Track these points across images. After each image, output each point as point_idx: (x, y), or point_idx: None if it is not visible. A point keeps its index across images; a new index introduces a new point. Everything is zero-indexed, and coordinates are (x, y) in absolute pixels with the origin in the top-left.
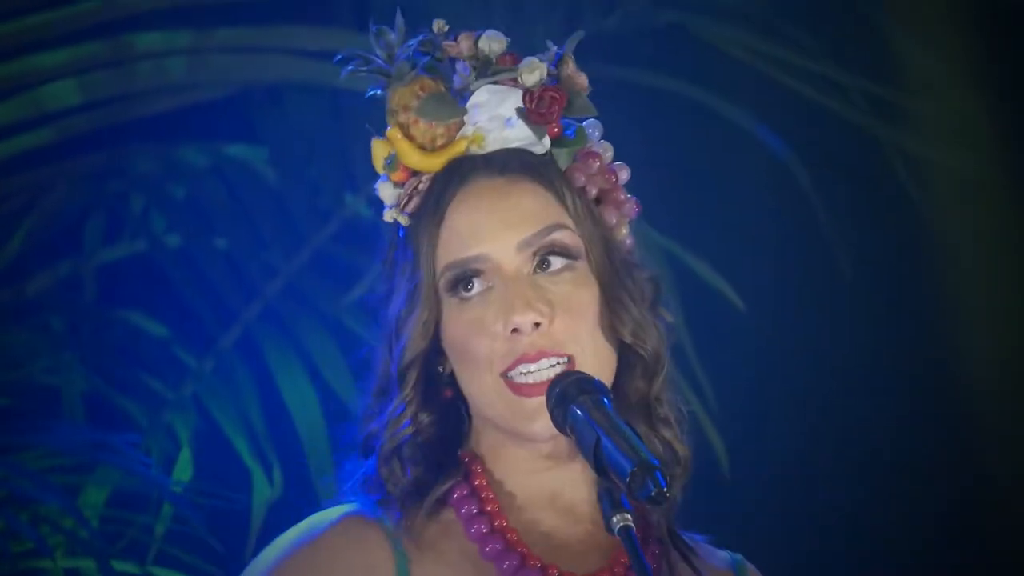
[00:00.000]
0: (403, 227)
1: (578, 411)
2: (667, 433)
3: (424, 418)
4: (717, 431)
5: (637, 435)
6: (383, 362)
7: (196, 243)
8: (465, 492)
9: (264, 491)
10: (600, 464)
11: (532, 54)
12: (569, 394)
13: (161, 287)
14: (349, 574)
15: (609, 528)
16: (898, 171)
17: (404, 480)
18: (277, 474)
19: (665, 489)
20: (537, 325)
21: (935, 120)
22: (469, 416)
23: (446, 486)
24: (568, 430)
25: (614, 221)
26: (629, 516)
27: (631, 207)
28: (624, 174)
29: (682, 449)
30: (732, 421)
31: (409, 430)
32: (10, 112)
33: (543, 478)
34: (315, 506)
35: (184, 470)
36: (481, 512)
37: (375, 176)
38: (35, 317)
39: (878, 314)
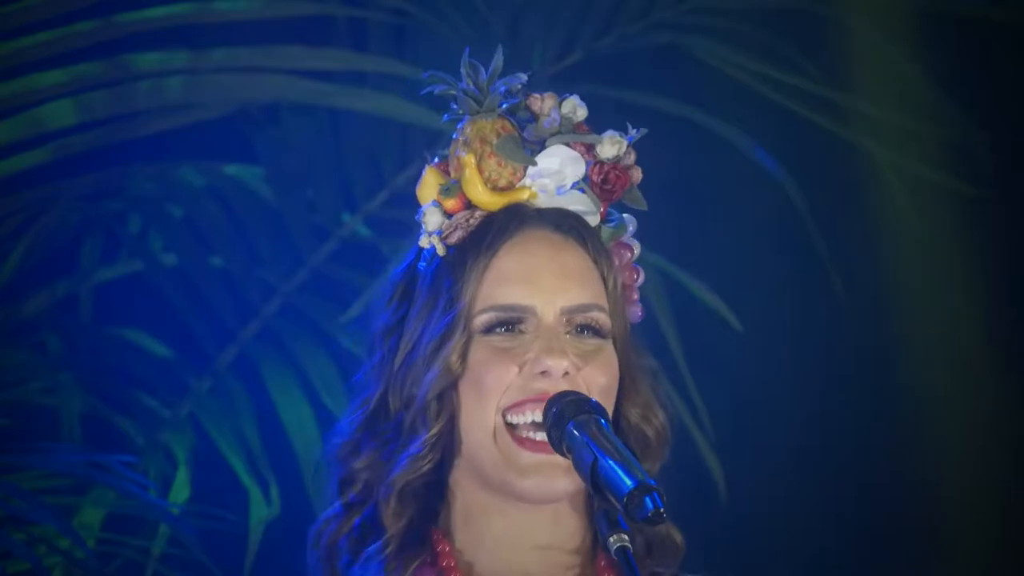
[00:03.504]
0: (434, 258)
1: (575, 431)
2: (671, 529)
3: (437, 460)
4: (714, 452)
5: (635, 456)
6: (380, 393)
7: (193, 262)
8: (428, 566)
9: (261, 510)
10: (597, 484)
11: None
12: (567, 413)
13: (158, 307)
14: None
15: (606, 549)
16: (893, 191)
17: (407, 518)
18: (274, 493)
19: (662, 509)
20: (567, 374)
21: (930, 140)
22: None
23: (416, 563)
24: (565, 450)
25: (625, 313)
26: (626, 536)
27: (636, 312)
28: (641, 276)
29: (677, 536)
30: (729, 442)
31: (428, 470)
32: (7, 132)
33: (515, 548)
34: (312, 524)
35: (181, 490)
36: None
37: (371, 195)
38: (32, 337)
39: (873, 333)
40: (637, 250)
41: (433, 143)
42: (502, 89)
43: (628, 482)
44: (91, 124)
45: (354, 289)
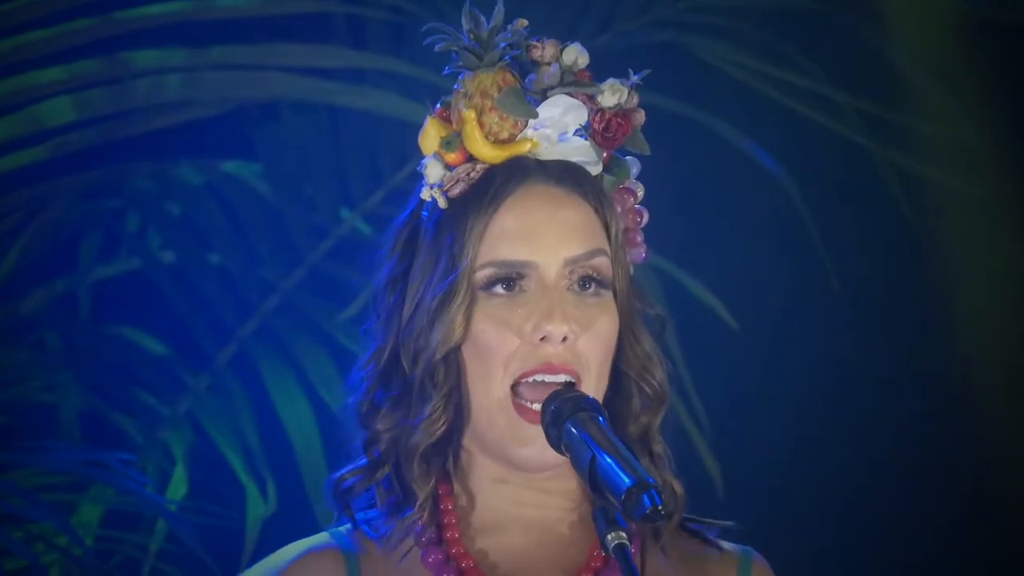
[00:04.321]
0: (436, 210)
1: (573, 429)
2: (664, 471)
3: (451, 418)
4: (710, 451)
5: (632, 453)
6: (389, 346)
7: (192, 260)
8: (427, 519)
9: (258, 508)
10: (595, 482)
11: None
12: (564, 412)
13: (157, 304)
14: None
15: (604, 547)
16: (892, 188)
17: (432, 479)
18: (272, 491)
19: (660, 507)
20: (565, 339)
21: (928, 138)
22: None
23: (417, 514)
24: (563, 448)
25: (627, 260)
26: (624, 534)
27: (640, 252)
28: (645, 217)
29: (679, 487)
30: (726, 441)
31: (443, 431)
32: (6, 129)
33: (512, 500)
34: (310, 522)
35: (178, 487)
36: (440, 540)
37: (370, 193)
38: (31, 335)
39: (871, 332)
40: (640, 193)
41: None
42: (501, 45)
43: (626, 480)
44: (90, 121)
45: (352, 287)
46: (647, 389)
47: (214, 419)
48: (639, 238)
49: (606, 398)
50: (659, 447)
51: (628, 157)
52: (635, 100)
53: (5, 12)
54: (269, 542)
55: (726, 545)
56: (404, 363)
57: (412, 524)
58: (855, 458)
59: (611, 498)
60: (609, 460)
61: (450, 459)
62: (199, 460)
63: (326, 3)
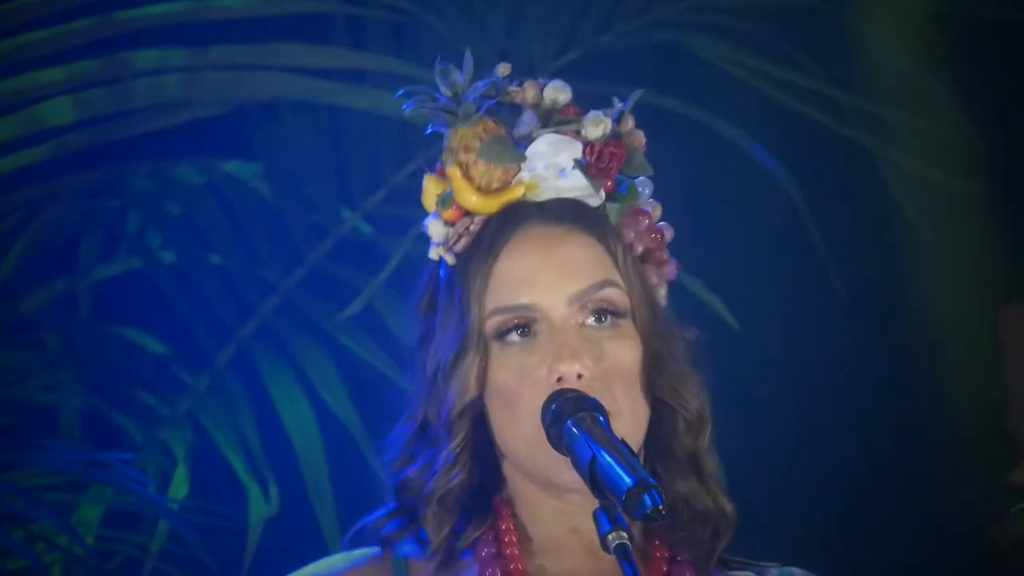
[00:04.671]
0: (447, 267)
1: (574, 428)
2: (715, 489)
3: (472, 466)
4: (712, 449)
5: (632, 453)
6: (423, 405)
7: (192, 260)
8: (489, 536)
9: (260, 508)
10: (596, 481)
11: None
12: (565, 411)
13: (157, 304)
14: None
15: (605, 546)
16: (891, 187)
17: (448, 527)
18: (273, 491)
19: (661, 506)
20: (580, 377)
21: (929, 137)
22: (499, 459)
23: (478, 532)
24: (564, 448)
25: (655, 281)
26: (625, 534)
27: (671, 269)
28: (669, 234)
29: (728, 506)
30: (726, 440)
31: (460, 480)
32: (6, 129)
33: (567, 518)
34: (311, 522)
35: (179, 487)
36: (499, 555)
37: (370, 193)
38: (31, 334)
39: (871, 330)
40: (658, 211)
41: (433, 141)
42: (472, 96)
43: (627, 479)
44: (90, 121)
45: (353, 287)
46: (684, 413)
47: (215, 419)
48: (665, 256)
49: (652, 426)
50: (710, 466)
51: (638, 179)
52: (629, 124)
53: (5, 12)
54: (271, 542)
55: (769, 572)
56: (431, 418)
57: (467, 540)
58: (856, 456)
59: (612, 498)
60: (610, 459)
61: (505, 486)
62: (200, 460)
63: (326, 3)
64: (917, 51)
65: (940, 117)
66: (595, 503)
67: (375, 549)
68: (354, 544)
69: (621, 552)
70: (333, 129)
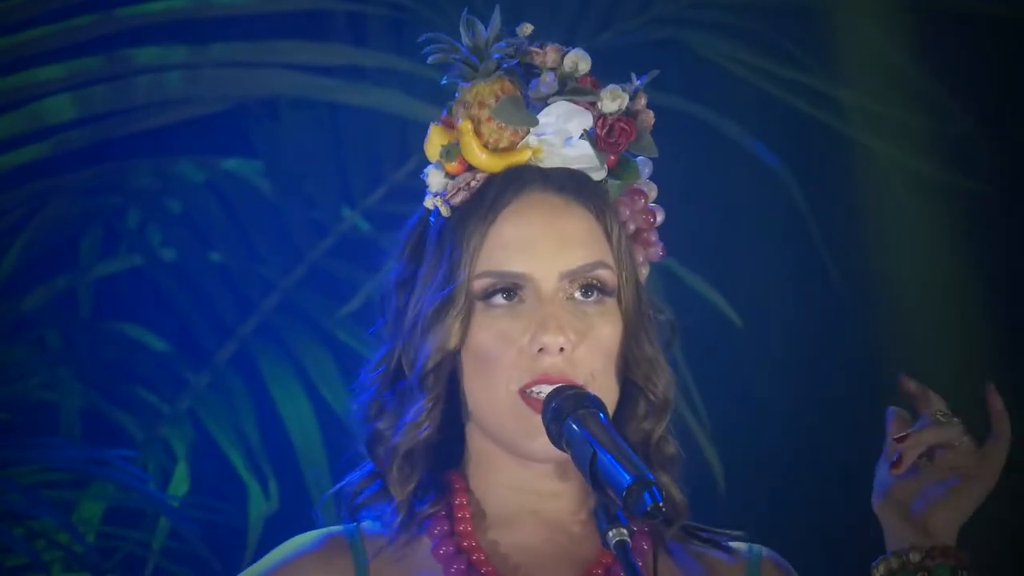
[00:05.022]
0: (440, 217)
1: (574, 425)
2: (664, 478)
3: (440, 424)
4: (712, 446)
5: (633, 450)
6: (397, 351)
7: (192, 257)
8: (442, 512)
9: (260, 505)
10: (596, 479)
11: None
12: (565, 408)
13: (157, 302)
14: None
15: (605, 543)
16: (893, 185)
17: (412, 484)
18: (273, 488)
19: (661, 504)
20: (562, 350)
21: (929, 135)
22: (464, 422)
23: (432, 509)
24: (564, 445)
25: (640, 260)
26: (625, 531)
27: (656, 251)
28: (660, 216)
29: (679, 496)
30: (728, 437)
31: (428, 434)
32: (7, 126)
33: (524, 492)
34: (312, 519)
35: (180, 484)
36: (452, 532)
37: (370, 190)
38: (31, 332)
39: (873, 328)
40: (653, 193)
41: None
42: (495, 56)
43: (627, 477)
44: (90, 119)
45: (353, 284)
46: (651, 396)
47: (215, 416)
48: (653, 237)
49: (616, 405)
50: (664, 453)
51: (639, 158)
52: (642, 102)
53: (6, 9)
54: (271, 539)
55: (735, 545)
56: (406, 367)
57: (423, 517)
58: (859, 454)
59: (612, 495)
60: (610, 457)
61: (464, 455)
62: (200, 457)
63: (326, 0)
64: (915, 48)
65: (938, 114)
66: (559, 473)
67: (335, 528)
68: (328, 507)
69: (621, 549)
70: (333, 126)
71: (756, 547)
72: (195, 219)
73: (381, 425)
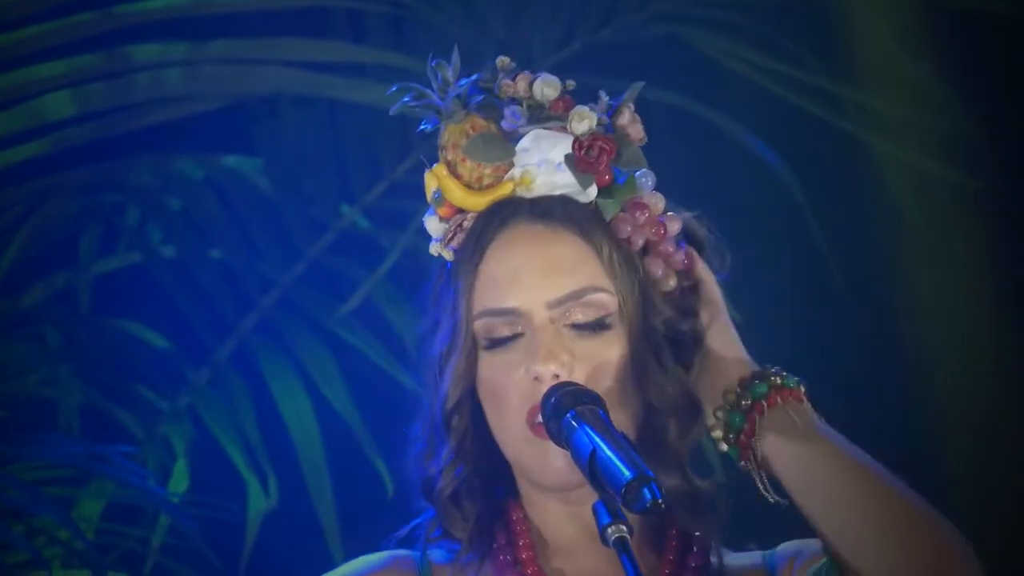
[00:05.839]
0: (448, 263)
1: (573, 422)
2: (691, 476)
3: (477, 461)
4: (711, 441)
5: (632, 446)
6: (430, 400)
7: (192, 254)
8: (503, 541)
9: (259, 502)
10: (595, 475)
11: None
12: (564, 405)
13: (157, 299)
14: None
15: (604, 540)
16: (892, 182)
17: (469, 522)
18: (273, 485)
19: (660, 500)
20: (556, 377)
21: (929, 132)
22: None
23: (493, 538)
24: (563, 441)
25: (660, 273)
26: (624, 527)
27: (679, 259)
28: (675, 226)
29: (705, 484)
30: None
31: (464, 475)
32: (6, 123)
33: (577, 518)
34: (309, 516)
35: (179, 482)
36: (515, 560)
37: (370, 187)
38: (31, 329)
39: (873, 325)
40: (660, 204)
41: (432, 135)
42: (457, 93)
43: (626, 473)
44: (90, 116)
45: (352, 281)
46: (674, 419)
47: (214, 413)
48: (670, 248)
49: (639, 428)
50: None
51: (639, 172)
52: (626, 116)
53: (5, 6)
54: (270, 536)
55: (754, 559)
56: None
57: (486, 547)
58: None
59: (611, 491)
60: (609, 453)
61: (517, 484)
62: (200, 454)
63: None
64: (917, 45)
65: (940, 111)
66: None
67: (403, 551)
68: (401, 545)
69: (620, 545)
70: (333, 123)
71: (768, 551)
72: (194, 216)
73: (431, 470)
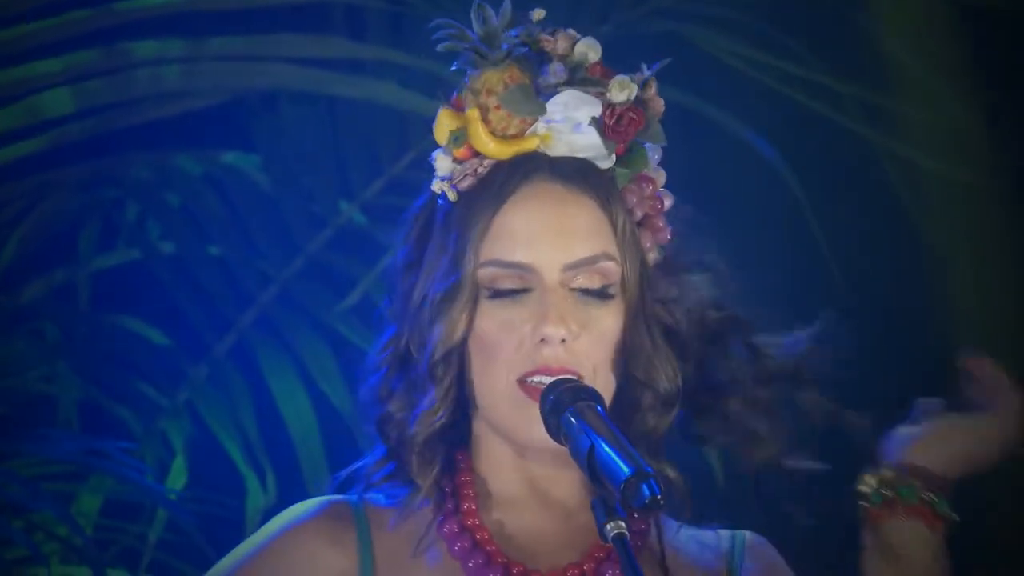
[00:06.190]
0: (447, 201)
1: (572, 418)
2: (670, 471)
3: (452, 410)
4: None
5: (630, 443)
6: (405, 334)
7: (190, 250)
8: (447, 489)
9: (258, 498)
10: (594, 471)
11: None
12: (563, 401)
13: (155, 295)
14: (313, 569)
15: (603, 536)
16: (891, 177)
17: (434, 470)
18: (271, 481)
19: (659, 496)
20: (563, 341)
21: (928, 126)
22: (470, 407)
23: (438, 484)
24: (562, 438)
25: (648, 245)
26: (623, 523)
27: (664, 234)
28: (668, 201)
29: (673, 473)
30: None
31: (442, 423)
32: (5, 120)
33: (526, 475)
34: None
35: (178, 477)
36: (456, 511)
37: (368, 184)
38: (29, 325)
39: (872, 323)
40: (661, 179)
41: (430, 132)
42: (503, 46)
43: (625, 469)
44: (88, 112)
45: (351, 277)
46: (653, 390)
47: (213, 409)
48: (661, 223)
49: (616, 398)
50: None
51: (647, 145)
52: (652, 90)
53: (4, 3)
54: None
55: (720, 538)
56: (412, 350)
57: (427, 496)
58: (857, 450)
59: (610, 487)
60: (608, 449)
61: (470, 436)
62: (198, 450)
63: None
64: (917, 40)
65: (941, 107)
66: (560, 461)
67: (339, 496)
68: (342, 488)
69: (619, 542)
70: (332, 120)
71: (740, 532)
72: (193, 212)
73: (392, 408)
